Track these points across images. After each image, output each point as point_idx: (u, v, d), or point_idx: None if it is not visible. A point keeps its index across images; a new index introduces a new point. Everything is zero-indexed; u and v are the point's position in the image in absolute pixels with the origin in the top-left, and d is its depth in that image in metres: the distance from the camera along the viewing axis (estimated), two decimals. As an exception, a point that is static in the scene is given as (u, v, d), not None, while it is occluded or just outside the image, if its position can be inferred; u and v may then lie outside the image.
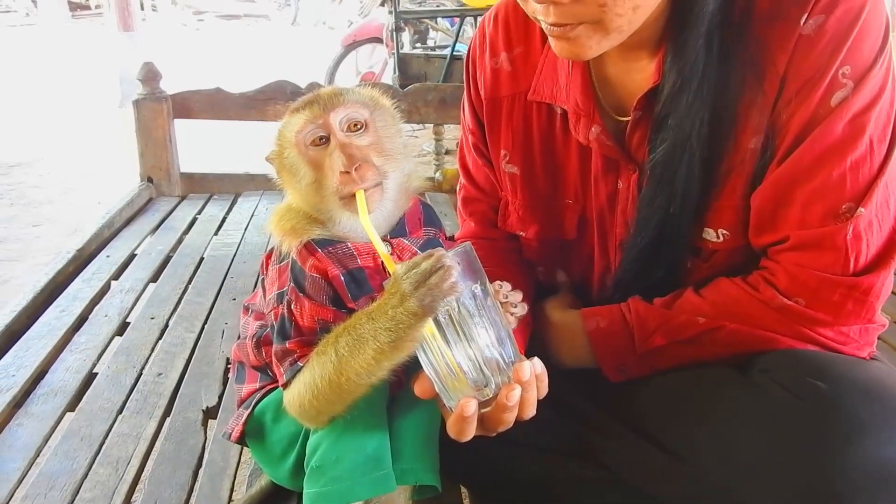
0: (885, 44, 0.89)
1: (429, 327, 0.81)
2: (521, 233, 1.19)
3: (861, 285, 0.90)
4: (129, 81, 3.68)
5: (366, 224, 0.90)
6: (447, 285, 0.78)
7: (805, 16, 0.88)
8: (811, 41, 0.88)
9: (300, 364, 0.95)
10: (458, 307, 0.80)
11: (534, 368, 0.84)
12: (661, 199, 0.98)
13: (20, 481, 1.29)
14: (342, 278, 0.96)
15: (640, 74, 0.99)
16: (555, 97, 1.08)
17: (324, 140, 0.95)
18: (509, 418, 0.84)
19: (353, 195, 0.92)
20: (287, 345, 0.96)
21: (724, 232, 0.99)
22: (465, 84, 1.22)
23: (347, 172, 0.92)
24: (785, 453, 0.84)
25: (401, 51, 5.66)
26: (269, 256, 1.08)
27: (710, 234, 1.00)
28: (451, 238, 1.51)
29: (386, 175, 0.96)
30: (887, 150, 0.90)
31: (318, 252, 0.97)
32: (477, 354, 0.82)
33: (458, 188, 1.32)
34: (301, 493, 1.13)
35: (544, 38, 1.08)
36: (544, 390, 0.87)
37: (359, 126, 0.96)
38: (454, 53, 5.38)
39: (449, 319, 0.81)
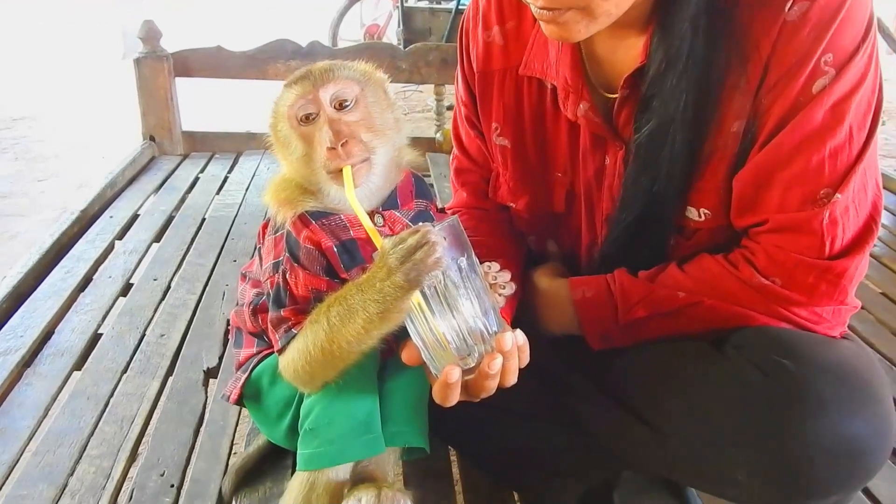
0: (869, 32, 0.90)
1: (415, 298, 0.85)
2: (512, 204, 1.22)
3: (835, 269, 0.93)
4: (132, 34, 3.66)
5: (351, 199, 0.92)
6: (432, 260, 0.82)
7: (790, 3, 0.89)
8: (795, 28, 0.89)
9: (294, 331, 0.99)
10: (444, 279, 0.84)
11: (515, 339, 0.87)
12: (645, 179, 1.00)
13: (30, 438, 1.35)
14: (335, 249, 0.99)
15: (628, 53, 1.00)
16: (545, 73, 1.09)
17: (314, 116, 0.97)
18: (491, 385, 0.88)
19: (341, 170, 0.95)
20: (282, 313, 1.00)
21: (706, 211, 1.01)
22: (458, 56, 1.23)
23: (334, 148, 0.94)
24: (752, 427, 0.88)
25: (405, 4, 5.59)
26: (265, 226, 1.11)
27: (692, 213, 1.02)
28: (443, 210, 1.54)
29: (374, 151, 0.98)
30: (866, 137, 0.91)
31: (311, 224, 1.00)
32: (461, 325, 0.85)
33: (450, 158, 1.34)
34: (296, 452, 1.20)
35: None
36: (525, 360, 0.91)
37: (348, 102, 0.98)
38: (459, 7, 5.31)
39: (434, 291, 0.85)
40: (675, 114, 0.95)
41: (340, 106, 0.97)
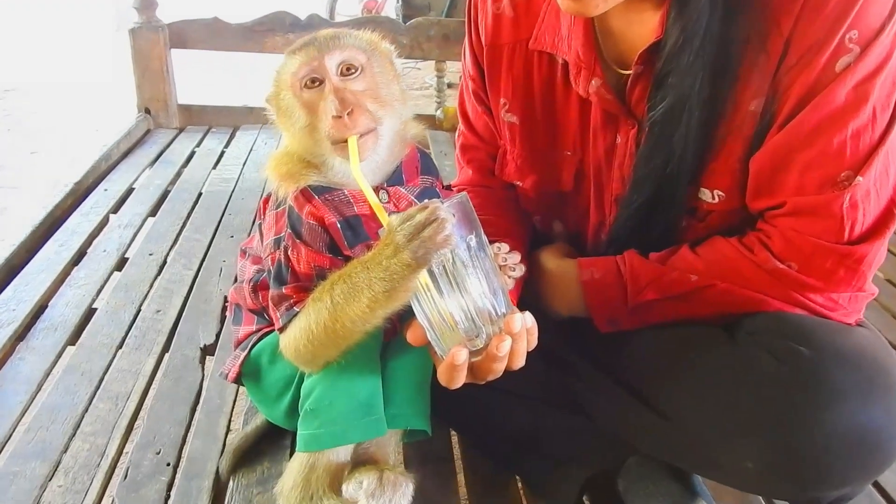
0: (895, 10, 0.87)
1: (422, 277, 0.82)
2: (519, 182, 1.19)
3: (854, 254, 0.90)
4: (126, 5, 3.59)
5: (356, 171, 0.89)
6: (441, 238, 0.79)
7: None
8: (818, 4, 0.86)
9: (296, 309, 0.96)
10: (452, 258, 0.81)
11: (525, 321, 0.85)
12: (658, 158, 0.97)
13: (23, 413, 1.33)
14: (338, 226, 0.96)
15: (644, 28, 0.97)
16: (556, 47, 1.06)
17: (318, 83, 0.94)
18: (499, 368, 0.86)
19: (346, 141, 0.92)
20: (283, 290, 0.97)
21: (720, 193, 0.98)
22: (466, 28, 1.19)
23: (339, 117, 0.91)
24: (764, 415, 0.86)
25: (404, -21, 5.52)
26: (266, 201, 1.08)
27: (705, 195, 0.99)
28: (448, 187, 1.51)
29: (380, 121, 0.95)
30: (889, 119, 0.89)
31: (314, 199, 0.97)
32: (469, 305, 0.83)
33: (457, 134, 1.31)
34: (294, 433, 1.18)
35: None
36: (534, 342, 0.88)
37: (354, 70, 0.94)
38: (459, -17, 5.24)
39: (443, 270, 0.82)
40: (690, 91, 0.92)
41: (346, 72, 0.94)
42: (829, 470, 0.84)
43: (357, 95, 0.93)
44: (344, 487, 0.99)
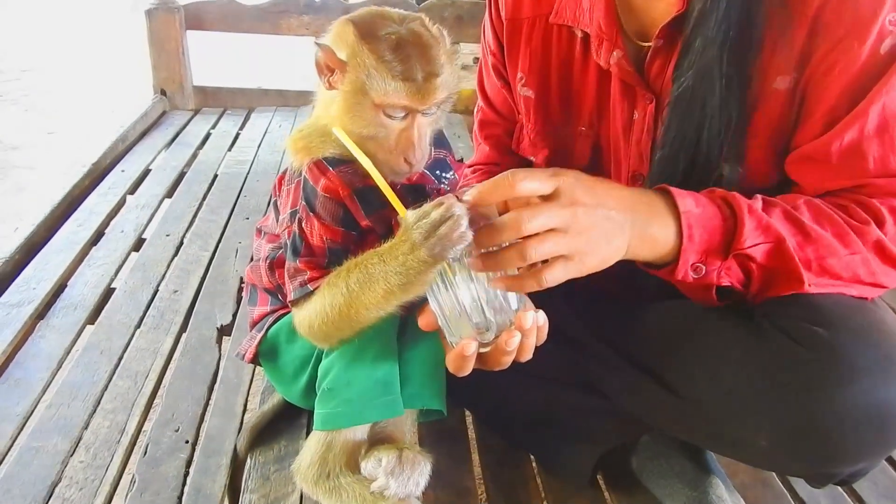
0: None
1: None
2: (532, 157, 1.19)
3: None
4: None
5: (386, 190, 0.89)
6: (457, 235, 0.79)
7: None
8: None
9: (310, 288, 0.97)
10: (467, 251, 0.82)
11: (536, 319, 0.86)
12: (687, 132, 0.96)
13: (44, 390, 1.35)
14: (354, 197, 0.97)
15: (664, 2, 0.97)
16: (577, 20, 1.06)
17: (401, 116, 0.92)
18: (507, 360, 0.87)
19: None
20: (298, 263, 0.99)
21: (739, 169, 0.97)
22: (487, 3, 1.19)
23: (409, 162, 0.93)
24: (781, 394, 0.86)
25: (419, -40, 5.48)
26: (281, 179, 1.09)
27: (725, 170, 0.97)
28: (461, 160, 1.51)
29: (427, 149, 0.96)
30: None
31: (329, 171, 0.97)
32: (482, 297, 0.84)
33: (475, 111, 1.31)
34: (311, 411, 1.20)
35: None
36: (543, 338, 0.89)
37: (434, 112, 0.94)
38: (474, -36, 5.21)
39: (458, 262, 0.83)
40: (714, 62, 0.91)
41: (427, 111, 0.93)
42: (844, 446, 0.84)
43: (426, 138, 0.95)
44: (363, 466, 1.01)
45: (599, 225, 0.80)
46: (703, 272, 0.88)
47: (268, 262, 1.12)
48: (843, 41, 0.87)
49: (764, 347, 0.88)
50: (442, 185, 1.03)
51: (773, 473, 1.20)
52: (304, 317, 0.98)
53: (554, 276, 0.79)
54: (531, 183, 0.78)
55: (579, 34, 1.07)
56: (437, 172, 1.04)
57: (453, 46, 0.96)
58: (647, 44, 1.00)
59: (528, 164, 1.22)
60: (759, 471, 1.19)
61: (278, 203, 1.08)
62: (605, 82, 1.06)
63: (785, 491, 1.18)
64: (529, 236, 0.77)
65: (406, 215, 0.84)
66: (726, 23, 0.90)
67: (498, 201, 0.81)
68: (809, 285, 0.87)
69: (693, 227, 0.85)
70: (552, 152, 1.15)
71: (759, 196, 0.89)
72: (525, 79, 1.14)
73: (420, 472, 1.00)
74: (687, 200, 0.86)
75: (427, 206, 0.82)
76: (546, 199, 0.80)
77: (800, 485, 1.18)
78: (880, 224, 0.88)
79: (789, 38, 0.90)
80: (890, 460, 1.25)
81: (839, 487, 1.18)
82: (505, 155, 1.25)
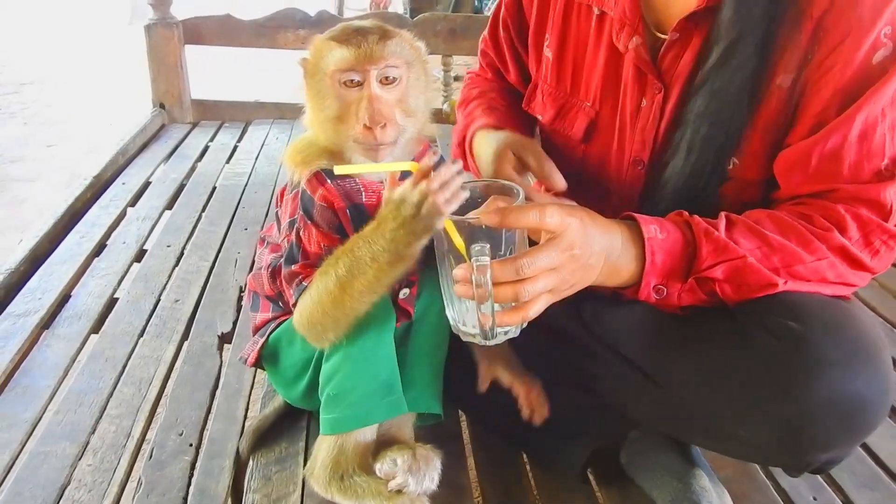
0: None
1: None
2: (540, 116, 1.25)
3: None
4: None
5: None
6: (438, 209, 0.86)
7: None
8: None
9: (305, 284, 1.02)
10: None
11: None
12: (708, 123, 1.01)
13: (51, 398, 1.39)
14: (347, 211, 1.02)
15: None
16: (602, 2, 1.12)
17: (357, 83, 0.98)
18: None
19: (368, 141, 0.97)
20: (294, 268, 1.04)
21: (736, 161, 1.02)
22: None
23: (370, 128, 0.96)
24: (757, 386, 0.91)
25: (413, -27, 5.55)
26: (283, 191, 1.14)
27: (732, 163, 1.03)
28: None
29: (404, 131, 1.00)
30: None
31: (327, 183, 1.02)
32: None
33: (481, 38, 1.42)
34: (311, 412, 1.25)
35: None
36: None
37: (393, 80, 0.98)
38: (467, -23, 5.28)
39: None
40: (749, 58, 0.96)
41: (385, 81, 0.98)
42: (817, 435, 0.89)
43: (389, 106, 0.97)
44: (378, 467, 1.06)
45: (585, 264, 0.88)
46: (665, 294, 0.95)
47: (269, 270, 1.16)
48: (839, 47, 0.93)
49: (743, 342, 0.93)
50: None
51: (757, 467, 1.24)
52: (301, 312, 1.03)
53: (536, 311, 0.86)
54: (553, 219, 0.85)
55: (596, 11, 1.13)
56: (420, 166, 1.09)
57: (415, 40, 1.03)
58: (662, 35, 1.06)
59: (532, 121, 1.30)
60: (743, 464, 1.23)
61: (279, 213, 1.13)
62: (614, 64, 1.12)
63: (768, 483, 1.22)
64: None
65: (390, 195, 0.91)
66: (755, 19, 0.95)
67: (519, 227, 0.87)
68: (785, 283, 0.93)
69: (656, 253, 0.93)
70: (556, 113, 1.22)
71: (723, 214, 0.96)
72: (549, 41, 1.22)
73: (433, 468, 1.06)
74: (651, 227, 0.94)
75: (405, 186, 0.89)
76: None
77: (783, 478, 1.22)
78: (843, 231, 0.94)
79: (796, 38, 0.95)
80: (868, 450, 1.30)
81: (819, 477, 1.23)
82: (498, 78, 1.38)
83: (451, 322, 0.93)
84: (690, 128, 1.02)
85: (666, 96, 1.06)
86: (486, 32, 1.39)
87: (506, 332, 0.89)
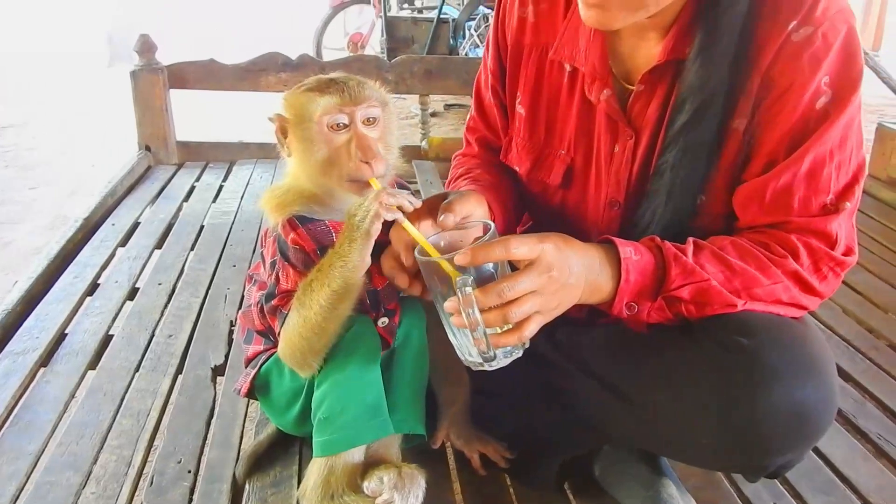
0: (861, 67, 1.04)
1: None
2: (517, 167, 1.32)
3: (843, 264, 1.07)
4: (118, 41, 3.72)
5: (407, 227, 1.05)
6: (375, 212, 1.00)
7: (794, 22, 1.01)
8: (800, 47, 1.01)
9: (285, 312, 1.12)
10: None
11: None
12: (692, 162, 1.09)
13: (53, 431, 1.45)
14: (318, 252, 1.11)
15: (647, 53, 1.12)
16: (573, 58, 1.20)
17: (343, 125, 1.09)
18: None
19: (362, 180, 1.08)
20: (273, 303, 1.14)
21: (702, 197, 1.11)
22: (492, 27, 1.35)
23: (366, 163, 1.07)
24: (713, 396, 1.01)
25: (388, 13, 5.71)
26: (266, 233, 1.22)
27: (700, 199, 1.12)
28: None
29: (389, 165, 1.12)
30: (857, 150, 1.07)
31: (299, 228, 1.12)
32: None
33: (468, 117, 1.47)
34: (302, 438, 1.31)
35: (567, 3, 1.21)
36: None
37: (373, 121, 1.10)
38: (441, 17, 5.45)
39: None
40: (717, 107, 1.06)
41: (367, 122, 1.10)
42: (769, 440, 0.98)
43: (374, 142, 1.09)
44: (365, 485, 1.12)
45: (566, 284, 0.97)
46: (636, 310, 1.05)
47: (259, 306, 1.24)
48: (785, 95, 1.03)
49: (701, 357, 1.03)
50: None
51: (722, 476, 1.33)
52: (283, 341, 1.12)
53: (531, 331, 0.96)
54: (521, 248, 0.95)
55: (568, 68, 1.22)
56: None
57: (383, 89, 1.15)
58: (630, 86, 1.15)
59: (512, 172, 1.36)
60: (709, 473, 1.32)
61: (264, 254, 1.22)
62: (586, 115, 1.21)
63: (732, 490, 1.31)
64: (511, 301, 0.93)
65: (348, 209, 1.04)
66: (722, 78, 1.05)
67: (489, 262, 0.97)
68: (744, 303, 1.03)
69: (630, 272, 1.02)
70: (533, 166, 1.29)
71: (690, 240, 1.06)
72: (521, 98, 1.29)
73: (418, 486, 1.12)
74: (627, 249, 1.03)
75: (361, 201, 1.03)
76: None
77: (746, 486, 1.32)
78: (796, 258, 1.05)
79: (748, 87, 1.06)
80: (824, 459, 1.40)
81: (778, 484, 1.32)
82: (488, 152, 1.41)
83: (459, 355, 1.02)
84: (668, 176, 1.10)
85: (637, 141, 1.15)
86: (471, 111, 1.44)
87: (507, 355, 0.98)
